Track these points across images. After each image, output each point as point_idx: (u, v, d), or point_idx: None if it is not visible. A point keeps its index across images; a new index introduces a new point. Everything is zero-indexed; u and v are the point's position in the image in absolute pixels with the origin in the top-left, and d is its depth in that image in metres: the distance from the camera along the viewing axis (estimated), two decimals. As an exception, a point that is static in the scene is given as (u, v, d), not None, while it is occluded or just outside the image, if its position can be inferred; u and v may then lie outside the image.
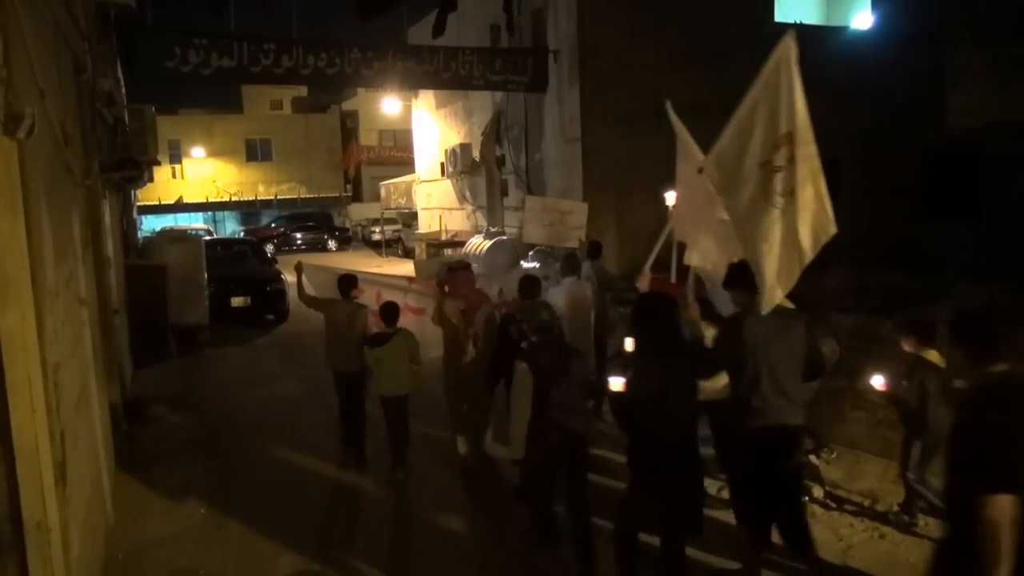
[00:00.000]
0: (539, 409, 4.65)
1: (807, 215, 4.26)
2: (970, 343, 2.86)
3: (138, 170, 10.05)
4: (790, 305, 4.39)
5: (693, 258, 5.35)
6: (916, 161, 12.87)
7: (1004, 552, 2.60)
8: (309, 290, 7.64)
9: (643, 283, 5.23)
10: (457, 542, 5.30)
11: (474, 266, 9.26)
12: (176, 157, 39.18)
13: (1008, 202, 11.41)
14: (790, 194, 4.28)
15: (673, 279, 5.50)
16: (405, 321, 6.92)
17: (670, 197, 5.62)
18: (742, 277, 4.42)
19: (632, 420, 3.99)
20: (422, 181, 27.72)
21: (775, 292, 4.25)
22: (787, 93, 4.51)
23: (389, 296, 7.53)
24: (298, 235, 33.37)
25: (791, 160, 4.32)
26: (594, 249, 8.37)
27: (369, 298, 7.46)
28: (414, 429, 6.71)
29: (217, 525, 5.60)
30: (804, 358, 4.27)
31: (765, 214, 4.36)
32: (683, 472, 3.95)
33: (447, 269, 6.98)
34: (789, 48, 4.60)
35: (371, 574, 4.85)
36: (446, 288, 6.65)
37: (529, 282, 6.02)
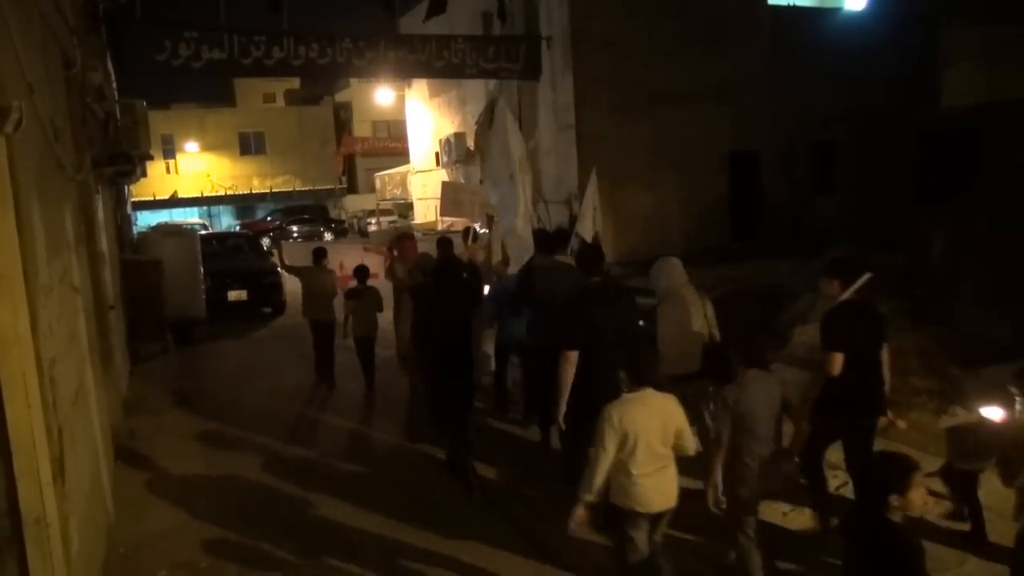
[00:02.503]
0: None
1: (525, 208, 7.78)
2: (583, 264, 5.31)
3: (130, 165, 9.99)
4: (570, 262, 6.30)
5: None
6: (911, 141, 12.85)
7: (565, 382, 4.69)
8: (288, 261, 9.86)
9: (473, 252, 8.47)
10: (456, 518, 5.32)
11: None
12: (170, 152, 39.00)
13: (1003, 181, 11.40)
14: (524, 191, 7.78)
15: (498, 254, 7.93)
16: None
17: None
18: (543, 241, 6.72)
19: (427, 332, 6.12)
20: (417, 171, 27.69)
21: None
22: (512, 133, 7.92)
23: (351, 261, 9.83)
24: (294, 228, 33.31)
25: (523, 172, 7.80)
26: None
27: (334, 264, 9.49)
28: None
29: (218, 518, 5.61)
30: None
31: (513, 204, 7.66)
32: (460, 364, 5.96)
33: (397, 238, 8.49)
34: (503, 105, 8.35)
35: (375, 561, 4.87)
36: (395, 252, 8.21)
37: (441, 242, 7.60)
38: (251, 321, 13.42)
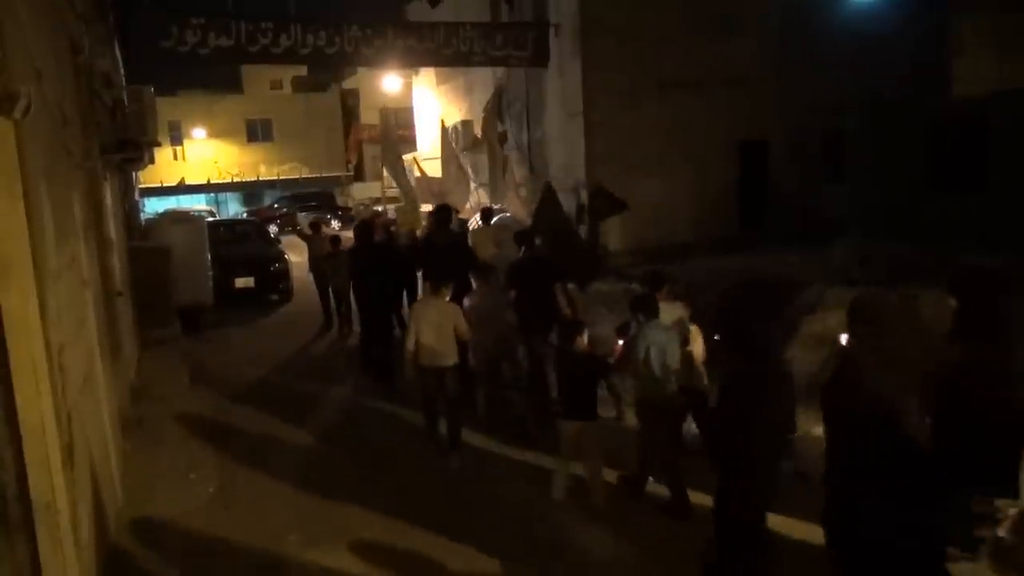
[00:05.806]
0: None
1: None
2: (436, 225, 8.54)
3: (138, 151, 10.00)
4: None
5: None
6: (921, 131, 12.72)
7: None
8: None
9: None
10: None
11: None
12: (177, 139, 38.94)
13: (1014, 171, 11.29)
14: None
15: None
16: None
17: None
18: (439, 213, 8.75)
19: (361, 293, 8.95)
20: (424, 159, 27.58)
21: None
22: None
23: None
24: (301, 215, 33.28)
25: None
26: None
27: (327, 236, 12.26)
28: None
29: (226, 504, 5.65)
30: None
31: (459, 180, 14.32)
32: (382, 317, 8.77)
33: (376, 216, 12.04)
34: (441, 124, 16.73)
35: (381, 550, 4.89)
36: None
37: (364, 222, 10.07)
38: (258, 308, 13.45)
